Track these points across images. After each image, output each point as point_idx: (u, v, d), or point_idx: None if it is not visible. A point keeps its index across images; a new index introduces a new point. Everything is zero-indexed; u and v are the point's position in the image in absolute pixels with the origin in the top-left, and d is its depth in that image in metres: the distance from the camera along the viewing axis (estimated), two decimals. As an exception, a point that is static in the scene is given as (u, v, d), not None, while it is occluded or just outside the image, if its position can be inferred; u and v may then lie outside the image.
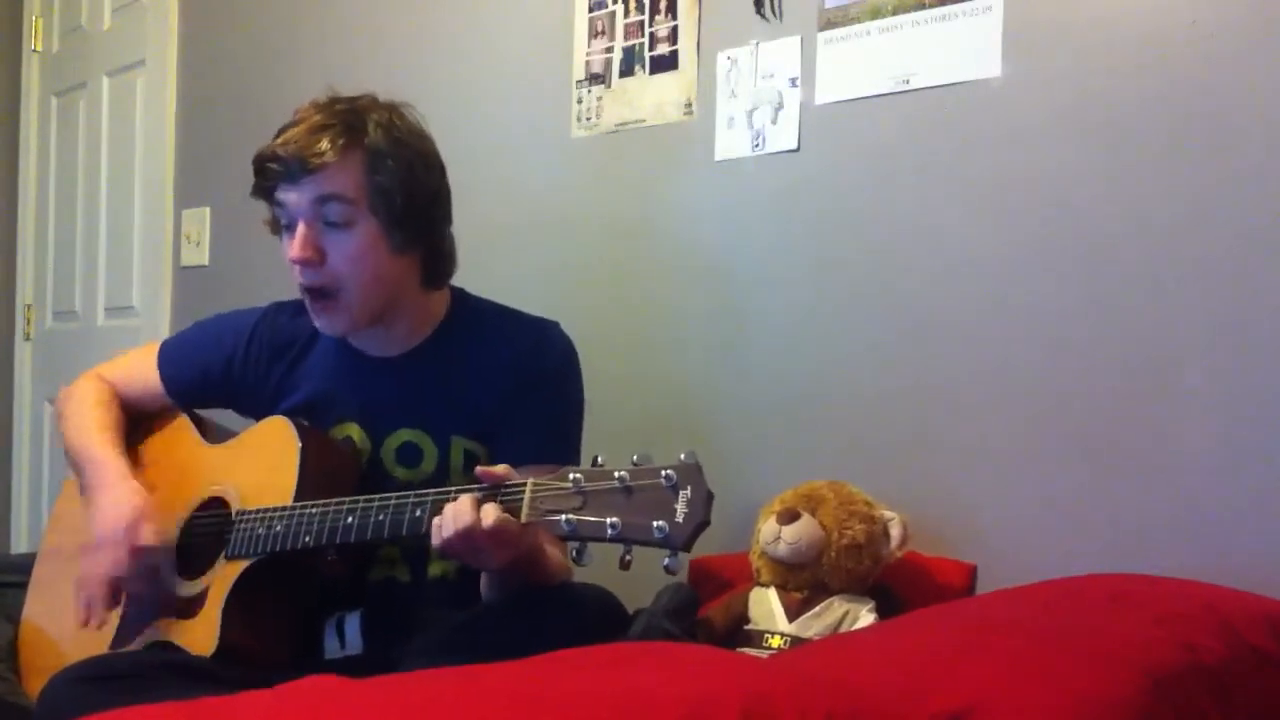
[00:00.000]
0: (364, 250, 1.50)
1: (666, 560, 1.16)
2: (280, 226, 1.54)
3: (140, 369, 1.72)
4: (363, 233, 1.49)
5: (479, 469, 1.31)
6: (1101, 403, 1.57)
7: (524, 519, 1.24)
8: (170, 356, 1.71)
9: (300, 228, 1.49)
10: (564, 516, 1.20)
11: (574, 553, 1.21)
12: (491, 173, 2.33)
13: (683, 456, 1.18)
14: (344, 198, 1.48)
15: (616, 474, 1.19)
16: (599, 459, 1.23)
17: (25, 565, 1.77)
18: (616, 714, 0.87)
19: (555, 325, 1.64)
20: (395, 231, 1.51)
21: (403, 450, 1.57)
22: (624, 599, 1.46)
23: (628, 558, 1.18)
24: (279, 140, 1.49)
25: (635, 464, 1.20)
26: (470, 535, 1.25)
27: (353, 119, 1.50)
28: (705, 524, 1.16)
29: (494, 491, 1.28)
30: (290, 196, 1.49)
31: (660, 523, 1.15)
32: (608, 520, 1.17)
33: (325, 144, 1.46)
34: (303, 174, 1.47)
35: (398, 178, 1.50)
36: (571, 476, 1.22)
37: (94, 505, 1.53)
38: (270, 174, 1.49)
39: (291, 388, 1.64)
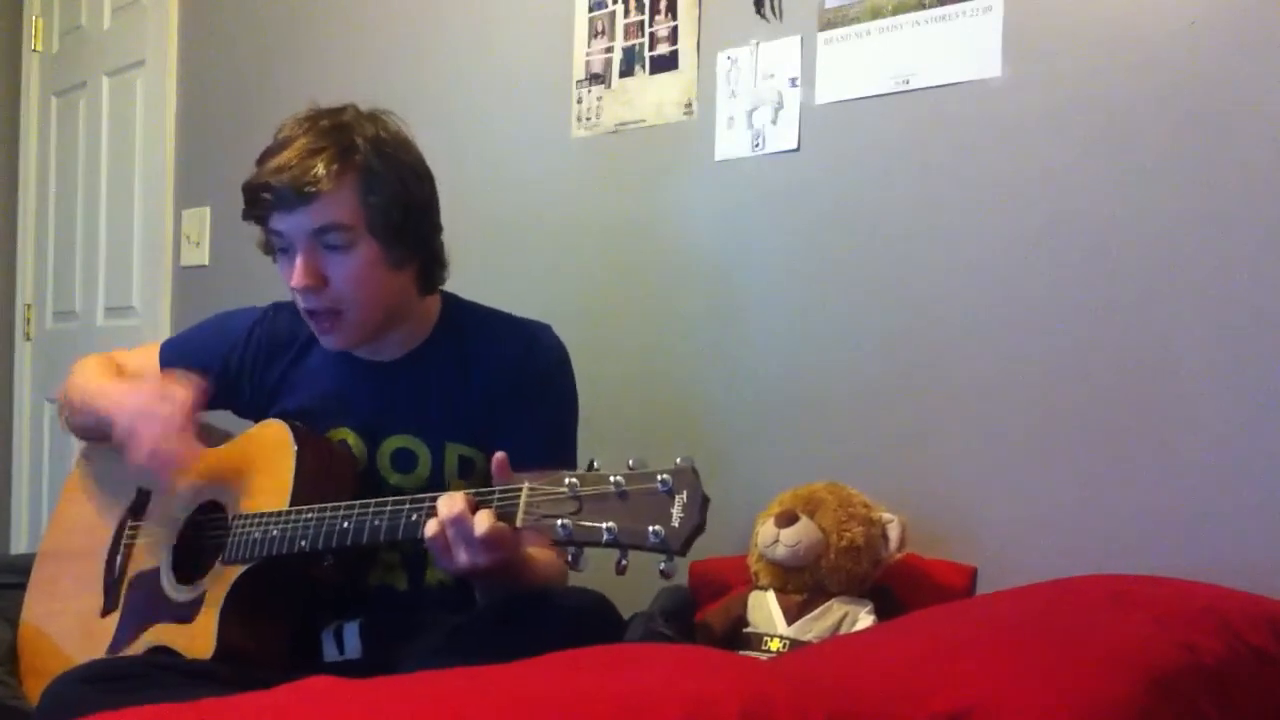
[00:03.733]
0: (365, 271, 1.49)
1: (662, 565, 1.16)
2: (274, 249, 1.54)
3: (142, 364, 1.72)
4: (362, 254, 1.49)
5: (497, 455, 1.30)
6: (1101, 403, 1.57)
7: (519, 523, 1.24)
8: (172, 356, 1.71)
9: (300, 255, 1.48)
10: (560, 521, 1.19)
11: (570, 558, 1.20)
12: (491, 173, 2.33)
13: (679, 461, 1.18)
14: (342, 224, 1.47)
15: (612, 479, 1.19)
16: (594, 463, 1.23)
17: (25, 566, 1.77)
18: (616, 714, 0.87)
19: (546, 328, 1.64)
20: (393, 248, 1.50)
21: (397, 456, 1.57)
22: (620, 602, 1.45)
23: (624, 562, 1.17)
24: (269, 166, 1.47)
25: (631, 468, 1.19)
26: (462, 527, 1.25)
27: (342, 138, 1.48)
28: (701, 528, 1.15)
29: (489, 495, 1.28)
30: (287, 225, 1.48)
31: (656, 527, 1.14)
32: (604, 525, 1.17)
33: (320, 170, 1.45)
34: (298, 203, 1.45)
35: (392, 195, 1.49)
36: (567, 481, 1.21)
37: (124, 410, 1.52)
38: (263, 203, 1.48)
39: (288, 390, 1.64)
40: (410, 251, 1.53)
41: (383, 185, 1.48)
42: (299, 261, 1.48)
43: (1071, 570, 1.44)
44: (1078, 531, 1.58)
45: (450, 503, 1.27)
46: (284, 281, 1.53)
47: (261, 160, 1.50)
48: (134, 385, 1.59)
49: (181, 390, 1.51)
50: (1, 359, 3.78)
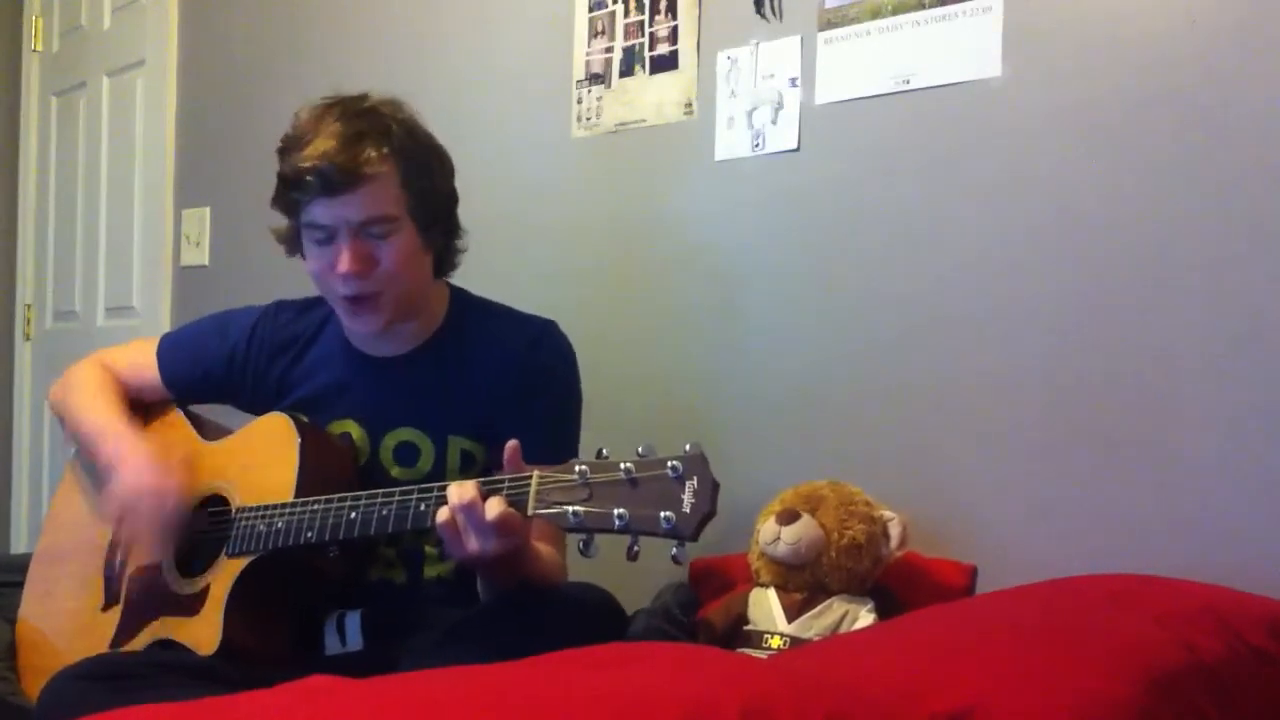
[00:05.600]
0: (409, 253, 1.51)
1: (674, 550, 1.17)
2: (299, 241, 1.54)
3: (140, 360, 1.72)
4: (405, 235, 1.51)
5: (509, 444, 1.31)
6: (1102, 403, 1.57)
7: (530, 511, 1.24)
8: (170, 351, 1.71)
9: (349, 242, 1.47)
10: (571, 509, 1.20)
11: (581, 545, 1.21)
12: (491, 173, 2.33)
13: (688, 447, 1.18)
14: (389, 215, 1.48)
15: (622, 466, 1.19)
16: (604, 451, 1.23)
17: (24, 565, 1.77)
18: (616, 714, 0.87)
19: (552, 324, 1.65)
20: (430, 230, 1.54)
21: (400, 449, 1.57)
22: (623, 598, 1.46)
23: (635, 549, 1.18)
24: (309, 152, 1.45)
25: (641, 455, 1.20)
26: (473, 514, 1.25)
27: (376, 122, 1.50)
28: (712, 514, 1.16)
29: (499, 484, 1.28)
30: (330, 215, 1.47)
31: (667, 513, 1.15)
32: (615, 512, 1.17)
33: (371, 153, 1.46)
34: (351, 186, 1.45)
35: (427, 177, 1.52)
36: (577, 469, 1.22)
37: (119, 470, 1.53)
38: (308, 188, 1.46)
39: (293, 383, 1.64)
40: (439, 233, 1.56)
41: (418, 167, 1.51)
42: (348, 249, 1.47)
43: (1071, 570, 1.44)
44: (1078, 531, 1.58)
45: (461, 489, 1.27)
46: (314, 272, 1.52)
47: (292, 148, 1.49)
48: (140, 447, 1.56)
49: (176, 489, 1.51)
50: (1, 359, 3.78)
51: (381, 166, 1.47)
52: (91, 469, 1.72)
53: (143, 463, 1.53)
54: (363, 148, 1.46)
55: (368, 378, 1.61)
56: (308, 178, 1.46)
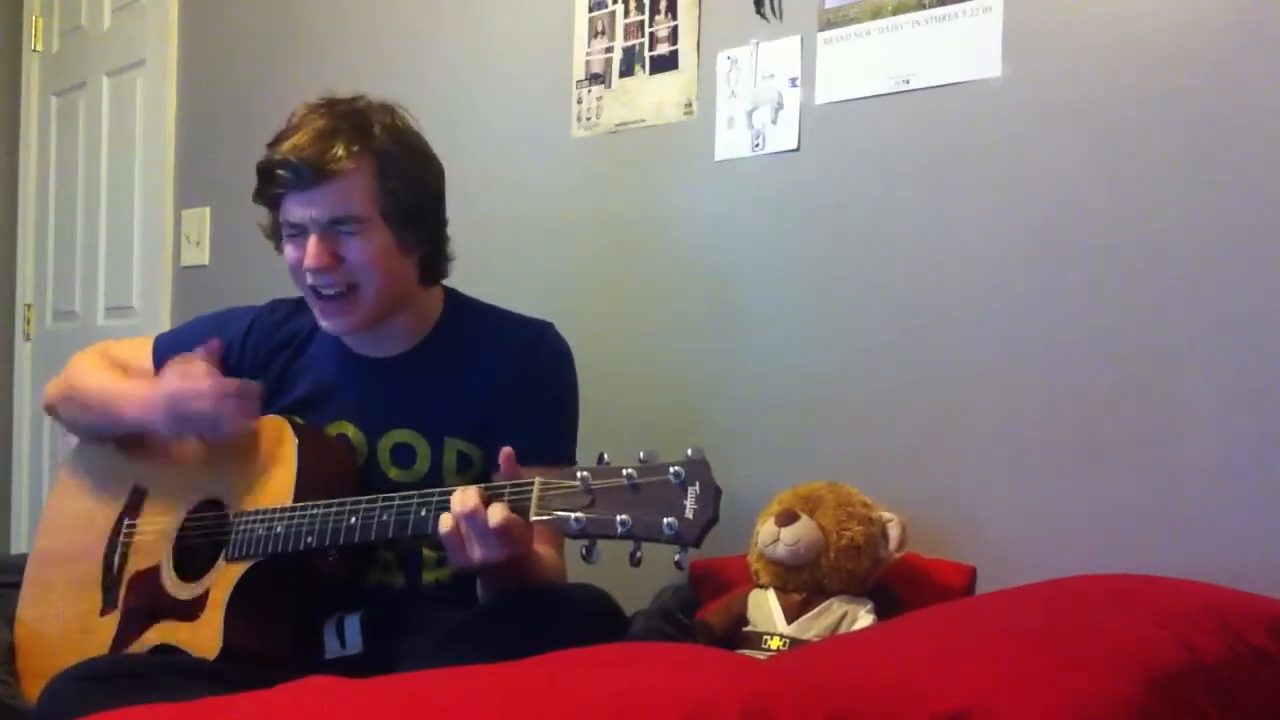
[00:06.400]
0: (378, 252, 1.50)
1: (677, 556, 1.17)
2: (280, 232, 1.54)
3: (135, 359, 1.71)
4: (376, 236, 1.50)
5: (504, 450, 1.31)
6: (1102, 403, 1.57)
7: (533, 517, 1.24)
8: (167, 348, 1.71)
9: (315, 237, 1.48)
10: (573, 515, 1.20)
11: (583, 551, 1.21)
12: (491, 173, 2.33)
13: (690, 453, 1.18)
14: (359, 203, 1.48)
15: (624, 471, 1.19)
16: (604, 456, 1.23)
17: (24, 566, 1.76)
18: (616, 714, 0.87)
19: (550, 326, 1.64)
20: (405, 233, 1.52)
21: (397, 451, 1.57)
22: (623, 599, 1.45)
23: (638, 555, 1.18)
24: (286, 146, 1.48)
25: (642, 461, 1.20)
26: (476, 521, 1.25)
27: (359, 122, 1.50)
28: (715, 520, 1.16)
29: (500, 490, 1.28)
30: (300, 212, 1.48)
31: (670, 519, 1.15)
32: (617, 518, 1.17)
33: (339, 150, 1.46)
34: (317, 181, 1.46)
35: (406, 180, 1.51)
36: (579, 475, 1.21)
37: (157, 403, 1.54)
38: (280, 181, 1.48)
39: (290, 383, 1.64)
40: (420, 238, 1.54)
41: (398, 170, 1.50)
42: (313, 242, 1.48)
43: (1071, 570, 1.44)
44: (1078, 531, 1.58)
45: (464, 496, 1.27)
46: (290, 266, 1.53)
47: (275, 142, 1.51)
48: (152, 383, 1.59)
49: (194, 362, 1.55)
50: (1, 359, 3.78)
51: (350, 164, 1.47)
52: (92, 463, 1.71)
53: (172, 384, 1.54)
54: (333, 145, 1.46)
55: (362, 379, 1.60)
56: (278, 171, 1.48)
